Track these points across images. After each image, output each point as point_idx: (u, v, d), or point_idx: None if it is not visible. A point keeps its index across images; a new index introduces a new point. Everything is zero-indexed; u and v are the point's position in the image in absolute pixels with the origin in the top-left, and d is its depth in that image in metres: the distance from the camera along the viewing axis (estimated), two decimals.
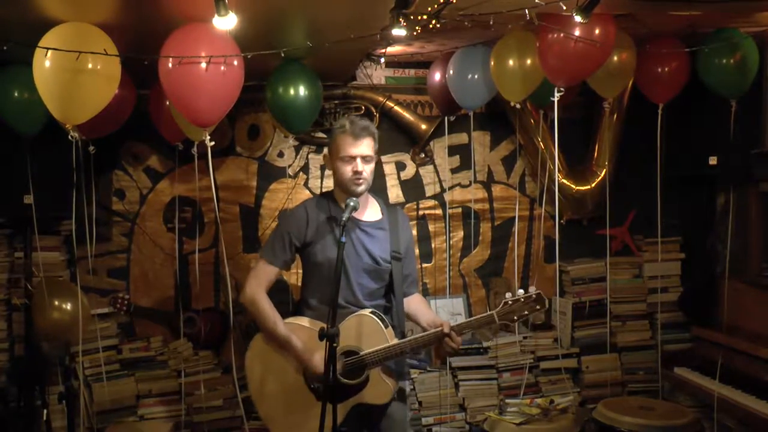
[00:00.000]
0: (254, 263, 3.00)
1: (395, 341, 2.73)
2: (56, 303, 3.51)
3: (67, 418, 3.57)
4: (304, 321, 2.82)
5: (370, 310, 2.79)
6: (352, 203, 2.64)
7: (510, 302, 2.74)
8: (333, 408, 2.43)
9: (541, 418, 3.45)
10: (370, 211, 2.88)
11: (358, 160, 2.72)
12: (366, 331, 2.72)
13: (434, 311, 3.10)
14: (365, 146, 2.73)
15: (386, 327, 2.76)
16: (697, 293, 4.14)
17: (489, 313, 2.75)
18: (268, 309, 2.78)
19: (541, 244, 4.31)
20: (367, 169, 2.75)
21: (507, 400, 3.67)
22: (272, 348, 2.81)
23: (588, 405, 4.05)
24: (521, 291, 2.76)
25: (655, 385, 4.09)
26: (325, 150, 2.95)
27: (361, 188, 2.76)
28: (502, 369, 4.11)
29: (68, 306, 3.52)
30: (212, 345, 4.05)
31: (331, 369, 2.36)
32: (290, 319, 2.85)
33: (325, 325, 2.37)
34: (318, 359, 2.64)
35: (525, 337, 4.13)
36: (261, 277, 2.82)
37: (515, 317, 2.75)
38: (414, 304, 2.95)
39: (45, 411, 3.59)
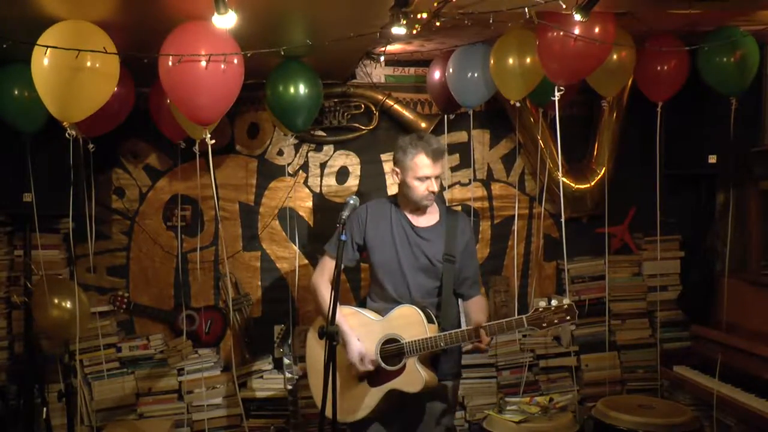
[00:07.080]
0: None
1: (433, 335, 2.80)
2: (56, 301, 3.51)
3: (67, 416, 3.58)
4: (363, 310, 2.99)
5: (420, 305, 2.88)
6: (351, 201, 2.74)
7: (541, 309, 2.76)
8: (333, 400, 2.48)
9: (541, 416, 3.45)
10: (428, 218, 3.01)
11: (433, 179, 2.88)
12: (409, 322, 2.84)
13: (487, 315, 3.06)
14: (441, 167, 2.92)
15: (429, 322, 2.84)
16: (696, 291, 4.13)
17: (519, 317, 2.78)
18: (325, 296, 2.94)
19: (541, 242, 4.31)
20: (437, 185, 2.92)
21: (506, 399, 3.68)
22: None
23: (587, 403, 4.05)
24: (554, 302, 2.76)
25: (655, 384, 4.09)
26: (391, 162, 3.09)
27: (431, 202, 2.96)
28: (501, 367, 4.12)
29: (68, 304, 3.52)
30: (212, 343, 4.06)
31: (331, 365, 2.42)
32: (348, 307, 3.02)
33: (325, 324, 2.44)
34: (357, 343, 2.84)
35: (524, 336, 4.13)
36: (323, 268, 3.04)
37: (544, 324, 2.76)
38: (471, 306, 3.02)
39: (44, 409, 3.60)
